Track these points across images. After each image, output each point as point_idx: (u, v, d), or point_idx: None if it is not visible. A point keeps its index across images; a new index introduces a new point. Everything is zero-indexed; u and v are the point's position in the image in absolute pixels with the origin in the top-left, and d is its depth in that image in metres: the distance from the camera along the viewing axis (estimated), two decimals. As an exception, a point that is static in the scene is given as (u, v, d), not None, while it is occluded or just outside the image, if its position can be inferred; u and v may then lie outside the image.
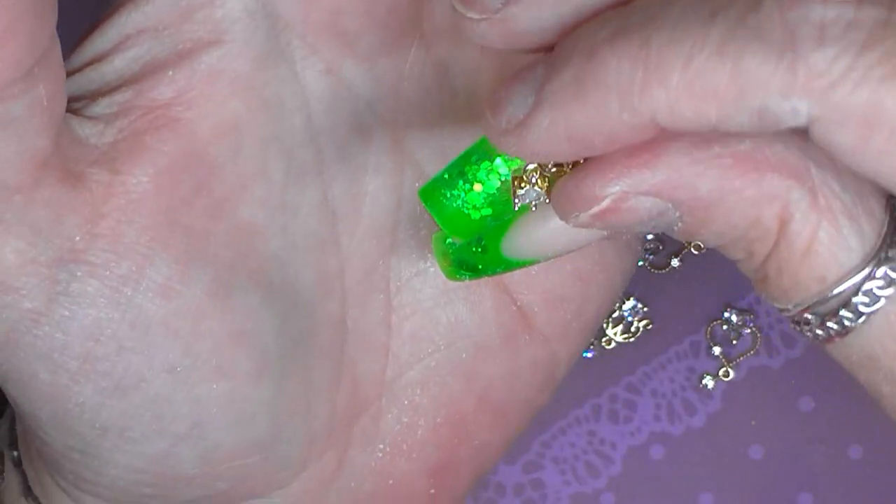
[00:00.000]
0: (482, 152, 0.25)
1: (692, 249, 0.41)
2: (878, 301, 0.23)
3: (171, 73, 0.27)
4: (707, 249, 0.41)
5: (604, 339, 0.41)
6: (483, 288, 0.31)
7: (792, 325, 0.25)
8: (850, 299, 0.23)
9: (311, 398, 0.30)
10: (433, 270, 0.31)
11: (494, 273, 0.27)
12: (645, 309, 0.41)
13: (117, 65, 0.28)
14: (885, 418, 0.40)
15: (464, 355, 0.31)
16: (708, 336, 0.41)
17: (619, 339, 0.41)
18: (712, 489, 0.40)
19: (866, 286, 0.23)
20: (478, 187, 0.25)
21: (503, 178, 0.25)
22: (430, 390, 0.31)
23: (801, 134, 0.22)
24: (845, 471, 0.40)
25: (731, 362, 0.41)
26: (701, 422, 0.41)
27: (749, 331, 0.41)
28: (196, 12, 0.28)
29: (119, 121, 0.27)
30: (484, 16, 0.23)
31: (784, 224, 0.23)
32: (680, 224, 0.24)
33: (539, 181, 0.25)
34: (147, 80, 0.27)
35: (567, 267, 0.31)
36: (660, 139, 0.23)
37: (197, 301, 0.27)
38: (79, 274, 0.26)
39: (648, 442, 0.41)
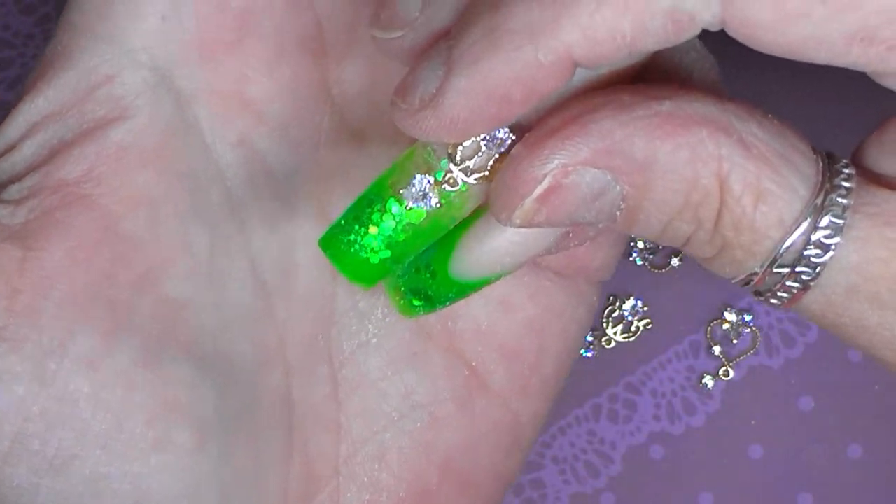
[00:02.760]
0: (375, 195, 0.25)
1: (692, 249, 0.41)
2: (829, 250, 0.23)
3: (77, 151, 0.27)
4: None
5: (604, 339, 0.41)
6: (431, 353, 0.30)
7: (756, 297, 0.25)
8: (803, 253, 0.23)
9: (260, 473, 0.29)
10: (375, 342, 0.30)
11: (448, 300, 0.27)
12: (645, 309, 0.41)
13: (25, 152, 0.28)
14: (885, 418, 0.40)
15: (419, 425, 0.30)
16: (708, 336, 0.41)
17: (619, 338, 0.41)
18: (712, 489, 0.40)
19: (815, 236, 0.23)
20: (373, 230, 0.25)
21: (397, 219, 0.25)
22: (390, 465, 0.30)
23: (716, 93, 0.23)
24: (845, 471, 0.40)
25: (731, 362, 0.41)
26: (701, 421, 0.41)
27: (749, 331, 0.41)
28: (96, 91, 0.28)
29: (30, 201, 0.27)
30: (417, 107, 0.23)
31: (724, 181, 0.23)
32: (622, 204, 0.23)
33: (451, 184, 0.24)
34: (55, 162, 0.27)
35: (518, 316, 0.30)
36: (583, 112, 0.23)
37: (125, 373, 0.27)
38: (0, 351, 0.26)
39: (648, 442, 0.41)
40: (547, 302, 0.31)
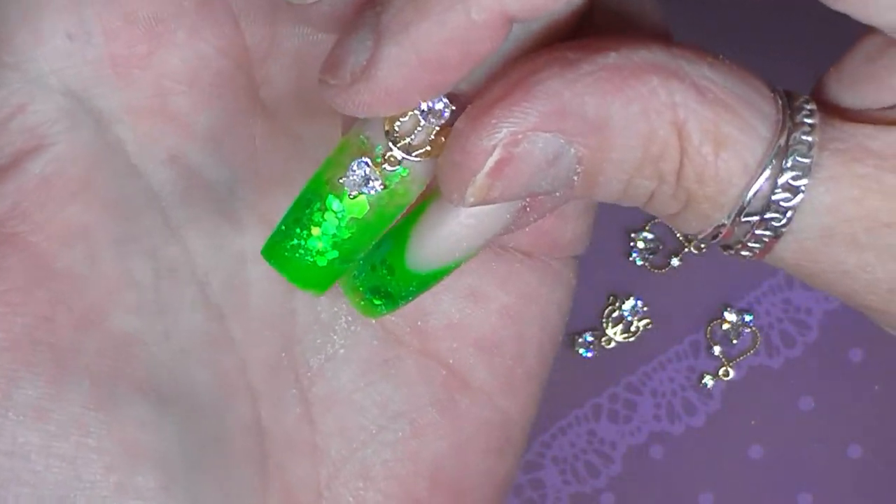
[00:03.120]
0: (313, 194, 0.23)
1: (692, 249, 0.41)
2: (798, 192, 0.22)
3: None
4: (707, 249, 0.41)
5: (604, 339, 0.41)
6: (404, 357, 0.29)
7: (725, 251, 0.24)
8: (771, 198, 0.22)
9: None
10: (343, 353, 0.28)
11: (411, 295, 0.25)
12: (645, 309, 0.41)
13: None
14: (885, 418, 0.40)
15: (400, 435, 0.28)
16: (708, 336, 0.41)
17: (619, 338, 0.41)
18: (712, 489, 0.40)
19: (781, 179, 0.22)
20: (315, 231, 0.23)
21: (340, 216, 0.23)
22: (375, 482, 0.28)
23: (663, 38, 0.22)
24: (845, 471, 0.40)
25: (731, 362, 0.41)
26: (701, 421, 0.41)
27: (749, 331, 0.41)
28: (8, 123, 0.26)
29: None
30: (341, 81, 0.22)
31: (681, 129, 0.22)
32: (578, 168, 0.22)
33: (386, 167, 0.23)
34: None
35: (491, 306, 0.29)
36: (526, 75, 0.22)
37: (77, 418, 0.25)
38: None
39: (648, 442, 0.41)
40: (520, 287, 0.29)
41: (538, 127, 0.21)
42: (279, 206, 0.27)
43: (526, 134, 0.21)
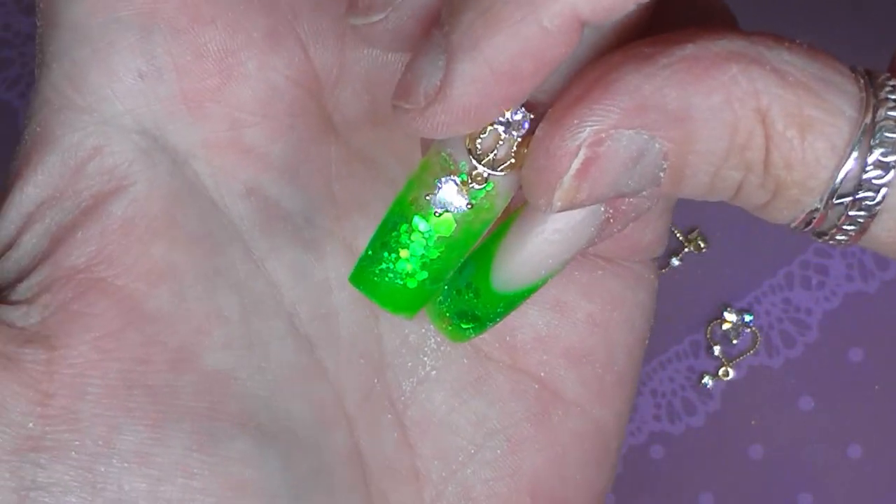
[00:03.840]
0: (398, 217, 0.23)
1: (692, 249, 0.41)
2: (890, 168, 0.22)
3: (80, 234, 0.25)
4: (707, 249, 0.41)
5: (604, 339, 0.41)
6: (495, 374, 0.28)
7: (819, 239, 0.23)
8: (862, 177, 0.21)
9: None
10: (435, 375, 0.28)
11: (498, 316, 0.25)
12: (645, 309, 0.41)
13: (26, 246, 0.26)
14: (885, 418, 0.40)
15: (499, 452, 0.28)
16: (708, 336, 0.41)
17: (619, 338, 0.41)
18: (712, 489, 0.40)
19: (871, 157, 0.21)
20: (404, 253, 0.23)
21: (427, 236, 0.23)
22: (478, 501, 0.28)
23: (733, 27, 0.21)
24: (845, 471, 0.40)
25: (731, 362, 0.41)
26: (701, 421, 0.41)
27: (749, 331, 0.41)
28: (86, 166, 0.26)
29: (42, 298, 0.25)
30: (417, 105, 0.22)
31: (765, 116, 0.21)
32: (664, 164, 0.22)
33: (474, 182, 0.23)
34: (60, 250, 0.26)
35: (577, 316, 0.28)
36: (604, 73, 0.21)
37: (181, 461, 0.25)
38: (43, 462, 0.24)
39: (648, 442, 0.41)
40: (604, 294, 0.28)
41: (620, 124, 0.21)
42: (358, 232, 0.28)
43: (609, 132, 0.21)
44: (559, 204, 0.22)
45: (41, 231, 0.26)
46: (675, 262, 0.41)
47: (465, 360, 0.28)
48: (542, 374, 0.28)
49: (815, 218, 0.23)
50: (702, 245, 0.41)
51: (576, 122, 0.21)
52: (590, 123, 0.21)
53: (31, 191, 0.26)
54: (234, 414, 0.26)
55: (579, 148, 0.21)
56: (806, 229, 0.23)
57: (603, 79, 0.21)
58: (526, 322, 0.28)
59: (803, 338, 0.41)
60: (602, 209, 0.23)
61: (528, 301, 0.25)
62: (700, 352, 0.41)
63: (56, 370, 0.25)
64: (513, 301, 0.25)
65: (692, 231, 0.41)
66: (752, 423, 0.40)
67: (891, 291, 0.40)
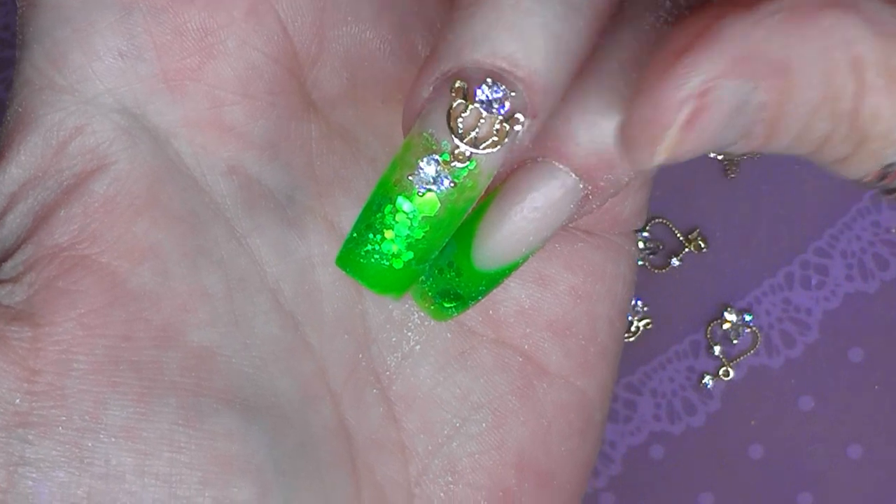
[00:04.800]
0: (382, 197, 0.23)
1: (692, 249, 0.41)
2: None
3: (63, 213, 0.26)
4: (707, 249, 0.41)
5: (604, 339, 0.41)
6: (479, 348, 0.29)
7: (885, 195, 0.23)
8: None
9: None
10: (419, 350, 0.28)
11: (480, 294, 0.25)
12: (645, 309, 0.41)
13: (10, 226, 0.26)
14: (885, 418, 0.40)
15: (484, 426, 0.28)
16: (708, 336, 0.41)
17: (619, 338, 0.41)
18: (712, 489, 0.40)
19: None
20: (389, 234, 0.23)
21: (411, 216, 0.23)
22: (464, 475, 0.28)
23: None
24: (845, 471, 0.40)
25: (731, 362, 0.41)
26: (701, 421, 0.41)
27: (749, 331, 0.41)
28: (68, 146, 0.26)
29: (27, 276, 0.25)
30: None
31: (858, 66, 0.21)
32: (763, 116, 0.21)
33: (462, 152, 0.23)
34: (43, 228, 0.26)
35: (560, 288, 0.29)
36: (709, 21, 0.21)
37: (168, 435, 0.25)
38: (31, 437, 0.24)
39: (648, 442, 0.41)
40: (586, 266, 0.29)
41: (728, 73, 0.20)
42: (340, 209, 0.28)
43: (717, 81, 0.20)
44: (662, 157, 0.21)
45: (24, 210, 0.26)
46: (675, 262, 0.41)
47: (449, 335, 0.29)
48: (526, 346, 0.29)
49: (890, 172, 0.22)
50: (702, 245, 0.41)
51: (684, 71, 0.20)
52: (698, 73, 0.20)
53: (14, 171, 0.26)
54: (219, 390, 0.26)
55: (687, 98, 0.20)
56: (879, 184, 0.23)
57: (709, 28, 0.21)
58: (509, 296, 0.29)
59: (803, 338, 0.41)
60: (580, 186, 0.24)
61: (510, 276, 0.25)
62: (700, 352, 0.41)
63: (42, 347, 0.25)
64: (494, 279, 0.25)
65: (692, 231, 0.41)
66: (752, 423, 0.40)
67: (891, 291, 0.40)
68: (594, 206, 0.24)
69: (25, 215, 0.26)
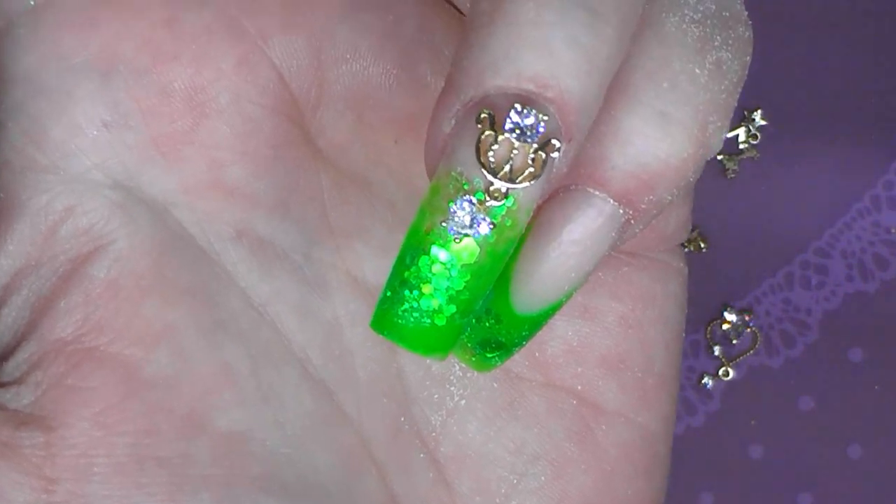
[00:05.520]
0: (414, 249, 0.21)
1: (692, 249, 0.41)
2: None
3: (63, 303, 0.24)
4: (707, 249, 0.41)
5: (604, 339, 0.41)
6: (529, 395, 0.26)
7: None
8: None
9: None
10: (465, 405, 0.26)
11: (524, 339, 0.23)
12: (645, 309, 0.41)
13: (6, 321, 0.24)
14: (885, 418, 0.40)
15: (543, 479, 0.26)
16: (708, 336, 0.41)
17: (619, 338, 0.41)
18: (712, 489, 0.40)
19: None
20: (427, 289, 0.21)
21: (450, 266, 0.21)
22: None
23: None
24: (845, 471, 0.40)
25: (731, 362, 0.41)
26: (700, 421, 0.40)
27: (749, 331, 0.41)
28: (59, 230, 0.24)
29: (32, 376, 0.23)
30: None
31: None
32: None
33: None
34: (44, 322, 0.24)
35: (608, 319, 0.26)
36: None
37: None
38: None
39: (648, 442, 0.41)
40: (633, 291, 0.27)
41: None
42: (362, 261, 0.26)
43: None
44: None
45: (20, 304, 0.24)
46: (675, 262, 0.41)
47: (495, 385, 0.26)
48: (579, 387, 0.26)
49: None
50: (702, 245, 0.41)
51: None
52: None
53: (3, 262, 0.24)
54: (255, 477, 0.24)
55: None
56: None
57: None
58: (555, 335, 0.26)
59: (803, 338, 0.41)
60: (620, 211, 0.22)
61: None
62: (700, 352, 0.41)
63: (57, 452, 0.23)
64: (537, 321, 0.23)
65: (692, 231, 0.41)
66: (752, 423, 0.40)
67: (891, 291, 0.40)
68: (637, 230, 0.23)
69: (22, 308, 0.24)
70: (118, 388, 0.23)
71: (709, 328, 0.41)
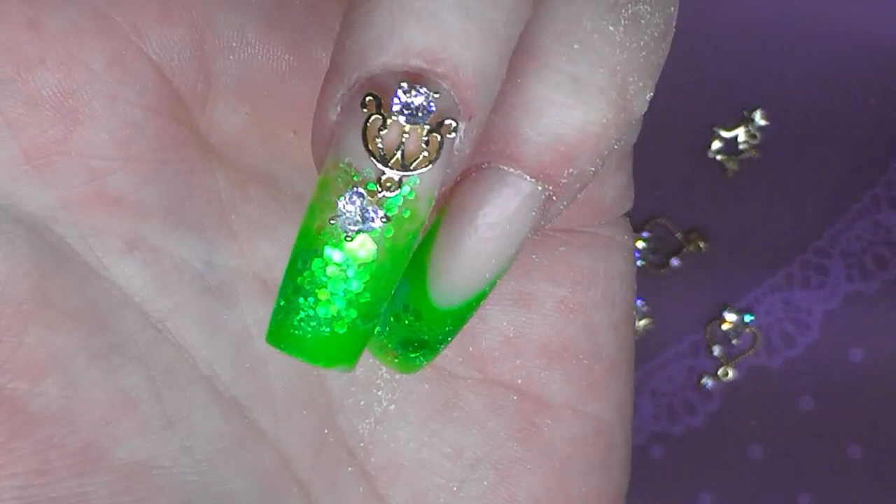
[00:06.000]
0: (306, 251, 0.19)
1: (692, 249, 0.41)
2: None
3: None
4: (707, 249, 0.41)
5: (604, 339, 0.41)
6: (465, 393, 0.24)
7: None
8: None
9: None
10: (395, 409, 0.24)
11: (448, 336, 0.21)
12: (645, 309, 0.41)
13: None
14: (885, 418, 0.40)
15: (486, 484, 0.24)
16: (708, 336, 0.41)
17: (619, 338, 0.41)
18: (712, 489, 0.40)
19: None
20: (323, 294, 0.19)
21: (345, 266, 0.19)
22: None
23: None
24: (845, 471, 0.40)
25: (731, 362, 0.41)
26: (701, 421, 0.40)
27: (749, 331, 0.41)
28: None
29: None
30: None
31: None
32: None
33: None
34: None
35: (547, 305, 0.24)
36: None
37: None
38: None
39: (648, 442, 0.41)
40: (572, 272, 0.24)
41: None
42: (271, 263, 0.24)
43: None
44: None
45: None
46: (675, 262, 0.41)
47: (427, 385, 0.24)
48: (520, 380, 0.24)
49: None
50: (701, 245, 0.41)
51: None
52: None
53: None
54: None
55: None
56: None
57: None
58: (488, 326, 0.24)
59: (803, 338, 0.41)
60: (539, 188, 0.20)
61: (485, 302, 0.22)
62: (700, 352, 0.41)
63: None
64: (461, 315, 0.21)
65: (692, 231, 0.41)
66: (752, 423, 0.40)
67: (891, 291, 0.40)
68: (561, 206, 0.21)
69: None
70: (3, 426, 0.22)
71: (709, 328, 0.41)
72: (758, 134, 0.40)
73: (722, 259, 0.41)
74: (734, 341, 0.41)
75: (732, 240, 0.41)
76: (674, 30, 0.21)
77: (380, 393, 0.24)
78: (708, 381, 0.41)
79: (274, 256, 0.24)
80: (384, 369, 0.24)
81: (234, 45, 0.23)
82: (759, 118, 0.40)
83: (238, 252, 0.24)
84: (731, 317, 0.41)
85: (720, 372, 0.41)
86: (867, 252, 0.40)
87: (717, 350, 0.41)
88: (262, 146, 0.24)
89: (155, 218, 0.23)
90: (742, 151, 0.41)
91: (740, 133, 0.41)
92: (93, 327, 0.22)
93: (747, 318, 0.41)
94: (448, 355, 0.24)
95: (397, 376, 0.24)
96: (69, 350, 0.22)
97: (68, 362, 0.22)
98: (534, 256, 0.24)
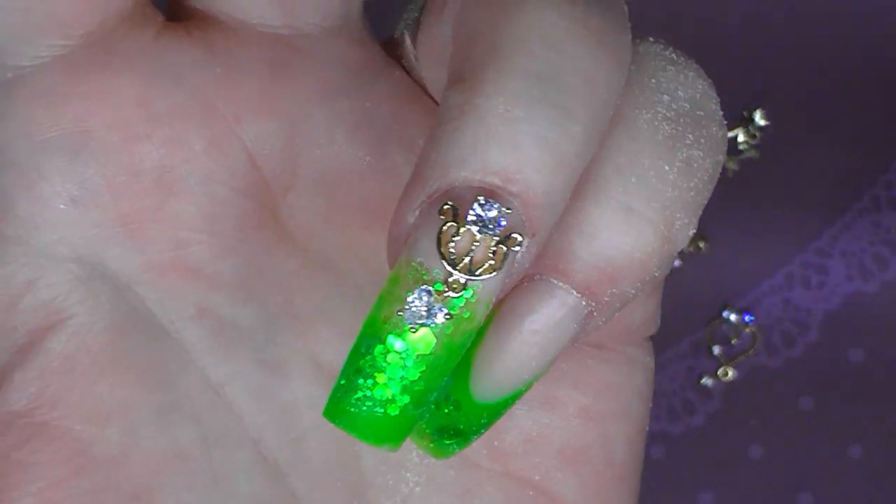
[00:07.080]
0: (370, 337, 0.21)
1: (692, 249, 0.41)
2: None
3: (18, 376, 0.23)
4: (707, 249, 0.41)
5: (604, 339, 0.41)
6: (486, 484, 0.26)
7: None
8: None
9: None
10: (420, 491, 0.26)
11: (482, 428, 0.23)
12: (645, 309, 0.41)
13: None
14: (885, 418, 0.40)
15: None
16: (708, 336, 0.41)
17: (619, 338, 0.41)
18: (712, 489, 0.40)
19: None
20: (381, 378, 0.21)
21: (405, 355, 0.21)
22: None
23: None
24: (845, 471, 0.40)
25: (731, 362, 0.41)
26: (700, 421, 0.41)
27: (749, 331, 0.41)
28: (19, 302, 0.24)
29: None
30: None
31: None
32: None
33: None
34: None
35: (569, 411, 0.26)
36: None
37: None
38: None
39: (648, 442, 0.41)
40: (596, 384, 0.26)
41: None
42: (326, 346, 0.25)
43: None
44: None
45: None
46: (675, 262, 0.41)
47: (452, 472, 0.26)
48: (537, 478, 0.26)
49: None
50: (701, 245, 0.41)
51: None
52: None
53: None
54: None
55: None
56: None
57: None
58: (514, 423, 0.26)
59: (803, 338, 0.41)
60: (583, 303, 0.22)
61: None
62: (700, 352, 0.41)
63: None
64: (497, 410, 0.23)
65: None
66: (752, 422, 0.40)
67: (891, 291, 0.40)
68: (600, 322, 0.23)
69: None
70: (66, 464, 0.23)
71: (709, 328, 0.41)
72: (758, 134, 0.41)
73: (722, 259, 0.41)
74: (734, 341, 0.41)
75: (732, 240, 0.41)
76: (719, 174, 0.23)
77: (408, 475, 0.26)
78: (708, 381, 0.41)
79: (329, 340, 0.25)
80: (415, 453, 0.26)
81: (322, 141, 0.25)
82: (759, 118, 0.40)
83: (298, 332, 0.25)
84: (731, 317, 0.41)
85: (720, 372, 0.41)
86: (867, 252, 0.40)
87: (717, 350, 0.41)
88: (333, 237, 0.26)
89: (227, 290, 0.25)
90: (742, 151, 0.41)
91: (740, 133, 0.41)
92: (157, 384, 0.24)
93: (747, 318, 0.41)
94: (474, 447, 0.25)
95: (426, 461, 0.26)
96: (134, 402, 0.24)
97: (132, 413, 0.24)
98: (563, 364, 0.26)
